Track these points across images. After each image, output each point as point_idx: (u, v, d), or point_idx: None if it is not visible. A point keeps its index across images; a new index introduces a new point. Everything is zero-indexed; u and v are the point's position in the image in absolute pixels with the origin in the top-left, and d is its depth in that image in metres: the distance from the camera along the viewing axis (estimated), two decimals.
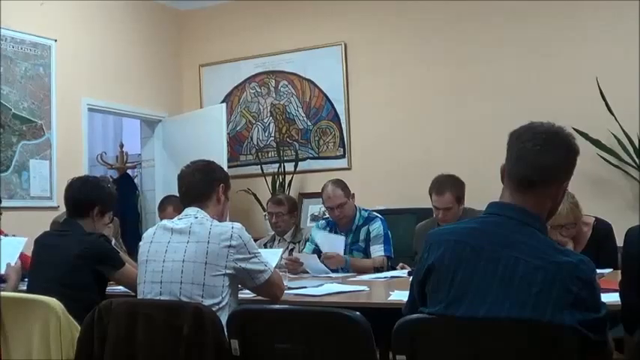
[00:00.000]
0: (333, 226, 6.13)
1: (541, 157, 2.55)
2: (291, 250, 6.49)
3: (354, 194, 6.07)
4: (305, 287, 4.40)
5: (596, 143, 6.71)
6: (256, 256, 3.67)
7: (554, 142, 2.58)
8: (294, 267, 5.62)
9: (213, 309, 3.37)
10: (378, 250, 5.90)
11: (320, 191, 6.14)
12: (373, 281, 4.99)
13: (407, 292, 2.90)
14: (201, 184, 3.90)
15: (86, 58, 8.27)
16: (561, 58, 7.32)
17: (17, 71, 7.35)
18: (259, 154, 9.10)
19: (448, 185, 5.62)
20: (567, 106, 6.85)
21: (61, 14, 7.94)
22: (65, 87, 7.88)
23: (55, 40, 7.77)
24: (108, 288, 4.35)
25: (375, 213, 6.15)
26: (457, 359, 2.51)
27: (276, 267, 4.23)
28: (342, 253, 5.79)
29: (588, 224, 5.06)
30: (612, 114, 6.69)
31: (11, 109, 7.24)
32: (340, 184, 6.03)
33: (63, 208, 4.88)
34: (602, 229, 5.06)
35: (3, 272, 4.76)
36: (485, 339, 2.45)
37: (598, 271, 2.52)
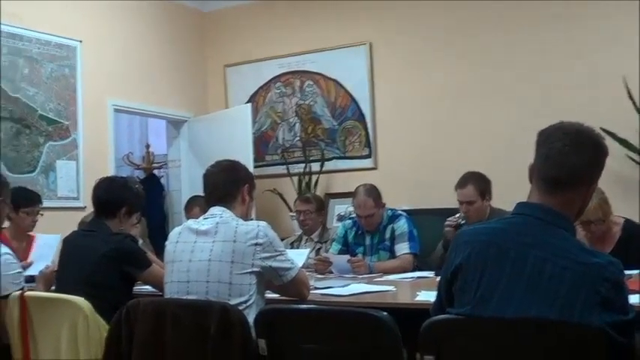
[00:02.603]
0: (359, 226, 6.12)
1: (570, 157, 2.53)
2: (318, 249, 6.49)
3: (384, 204, 6.05)
4: (331, 287, 4.39)
5: (625, 143, 6.66)
6: (282, 254, 3.68)
7: (583, 142, 2.56)
8: (324, 267, 5.62)
9: (240, 308, 3.37)
10: (403, 249, 5.88)
11: (346, 191, 6.13)
12: (400, 281, 4.98)
13: (434, 293, 2.89)
14: (226, 184, 3.90)
15: (111, 59, 8.30)
16: (588, 57, 7.26)
17: (43, 72, 7.38)
18: (285, 154, 9.11)
19: (471, 179, 5.65)
20: (595, 107, 6.81)
21: (85, 15, 7.96)
22: (91, 88, 7.90)
23: (81, 41, 7.80)
24: (135, 287, 4.36)
25: (399, 211, 6.14)
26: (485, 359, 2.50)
27: (302, 267, 4.24)
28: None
29: (618, 224, 5.01)
30: None
31: (37, 110, 7.27)
32: (373, 193, 5.97)
33: (90, 209, 4.90)
34: (632, 229, 5.02)
35: (37, 273, 4.79)
36: (513, 340, 2.43)
37: (626, 272, 2.49)
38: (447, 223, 5.49)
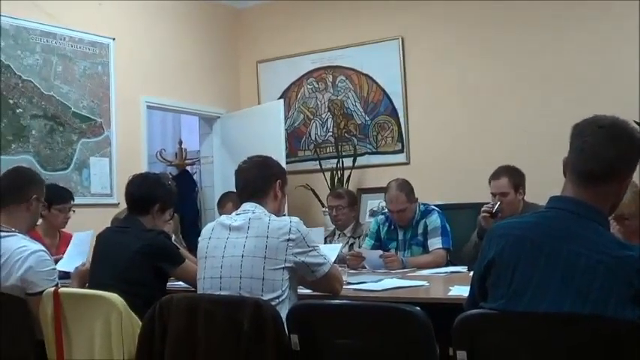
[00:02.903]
0: (392, 221, 6.10)
1: (604, 151, 2.50)
2: (352, 244, 6.48)
3: (417, 199, 6.04)
4: (364, 282, 4.38)
5: None
6: (315, 249, 3.68)
7: (617, 135, 2.53)
8: (356, 262, 5.61)
9: (273, 303, 3.37)
10: (436, 243, 5.86)
11: (378, 186, 6.11)
12: (432, 276, 4.97)
13: (466, 287, 2.88)
14: (258, 180, 3.90)
15: (144, 57, 8.34)
16: (624, 50, 7.20)
17: (76, 70, 7.42)
18: (317, 149, 9.11)
19: (505, 171, 5.63)
20: (630, 100, 6.75)
21: (118, 13, 8.00)
22: (124, 85, 7.95)
23: (113, 39, 7.84)
24: (168, 284, 4.37)
25: (432, 206, 6.12)
26: (518, 355, 2.48)
27: (335, 262, 4.23)
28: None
29: None
30: None
31: (71, 108, 7.31)
32: (405, 188, 5.96)
33: (123, 205, 4.92)
34: None
35: (72, 270, 4.82)
36: (546, 335, 2.42)
37: None
38: (483, 209, 5.45)
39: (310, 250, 3.63)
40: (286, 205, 4.22)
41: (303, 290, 3.86)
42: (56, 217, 5.79)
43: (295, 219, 3.65)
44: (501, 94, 7.89)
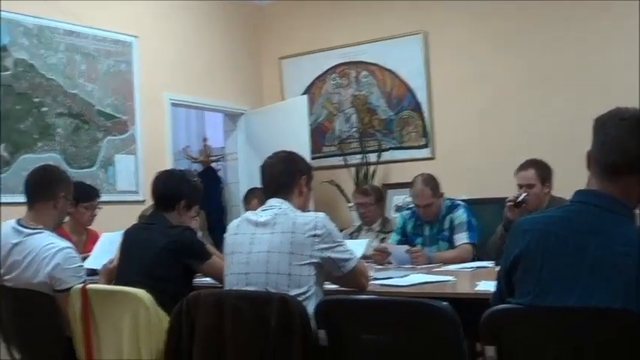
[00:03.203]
0: (418, 216, 6.09)
1: (627, 142, 2.49)
2: (383, 239, 6.47)
3: (443, 193, 6.02)
4: (391, 278, 4.37)
5: None
6: (341, 245, 3.67)
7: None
8: (382, 257, 5.60)
9: (300, 299, 3.37)
10: (462, 238, 5.83)
11: (404, 181, 6.10)
12: (459, 271, 4.96)
13: (493, 283, 2.87)
14: (283, 176, 3.90)
15: (167, 54, 8.36)
16: None
17: (100, 68, 7.46)
18: (342, 145, 9.10)
19: (533, 163, 5.60)
20: None
21: (141, 11, 8.04)
22: (148, 83, 7.98)
23: (136, 37, 7.87)
24: (195, 279, 4.39)
25: (458, 201, 6.10)
26: (546, 350, 2.47)
27: (361, 258, 4.23)
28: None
29: None
30: None
31: (95, 106, 7.35)
32: (431, 183, 5.92)
33: (149, 202, 4.95)
34: None
35: (99, 267, 4.85)
36: (575, 329, 2.41)
37: None
38: (508, 199, 5.42)
39: (336, 246, 3.63)
40: (312, 200, 4.19)
41: (329, 286, 3.86)
42: (83, 215, 5.83)
43: (321, 215, 3.65)
44: (526, 87, 7.86)
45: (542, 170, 5.58)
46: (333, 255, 3.61)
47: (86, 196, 5.84)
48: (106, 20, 7.57)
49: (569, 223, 2.52)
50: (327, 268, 3.65)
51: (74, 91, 7.14)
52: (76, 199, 5.39)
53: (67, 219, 5.28)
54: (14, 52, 6.64)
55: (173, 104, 8.48)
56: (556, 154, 6.49)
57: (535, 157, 5.76)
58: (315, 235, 3.54)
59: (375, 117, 8.91)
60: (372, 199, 6.72)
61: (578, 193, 2.60)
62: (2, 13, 6.59)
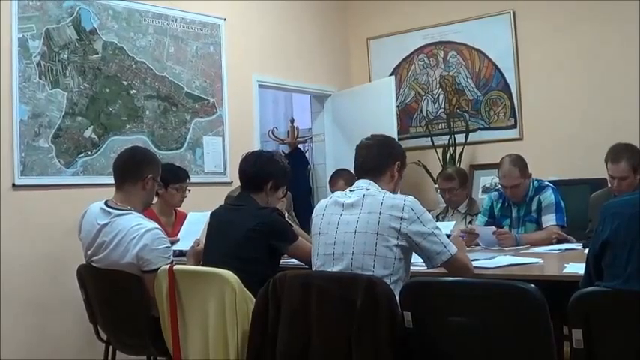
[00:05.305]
0: (505, 198, 6.04)
1: None
2: (470, 221, 6.45)
3: (530, 174, 5.95)
4: (478, 259, 4.35)
5: None
6: (433, 234, 3.62)
7: None
8: (470, 239, 5.56)
9: (385, 280, 3.38)
10: (550, 220, 5.76)
11: (491, 162, 6.04)
12: (546, 253, 4.91)
13: (581, 265, 2.85)
14: (377, 158, 3.91)
15: (255, 36, 8.38)
16: None
17: (188, 51, 7.52)
18: (429, 126, 9.05)
19: (625, 154, 5.44)
20: None
21: None
22: (235, 65, 8.01)
23: (224, 19, 7.91)
24: (281, 261, 4.42)
25: (546, 182, 6.02)
26: (634, 335, 2.44)
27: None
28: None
29: None
30: None
31: (184, 88, 7.42)
32: (519, 163, 5.87)
33: (236, 183, 4.99)
34: None
35: (187, 249, 4.91)
36: None
37: None
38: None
39: (428, 234, 3.60)
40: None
41: (415, 267, 3.85)
42: (173, 197, 5.89)
43: (410, 198, 3.63)
44: (616, 67, 7.66)
45: (635, 159, 5.41)
46: (424, 244, 3.58)
47: (176, 177, 5.90)
48: (194, 3, 7.61)
49: None
50: (419, 255, 3.64)
51: (163, 74, 7.22)
52: (166, 181, 5.47)
53: (155, 200, 5.36)
54: (103, 36, 6.73)
55: (260, 86, 8.50)
56: None
57: (628, 137, 5.64)
58: (402, 219, 3.54)
59: (463, 98, 8.84)
60: (456, 183, 6.70)
61: None
62: None
